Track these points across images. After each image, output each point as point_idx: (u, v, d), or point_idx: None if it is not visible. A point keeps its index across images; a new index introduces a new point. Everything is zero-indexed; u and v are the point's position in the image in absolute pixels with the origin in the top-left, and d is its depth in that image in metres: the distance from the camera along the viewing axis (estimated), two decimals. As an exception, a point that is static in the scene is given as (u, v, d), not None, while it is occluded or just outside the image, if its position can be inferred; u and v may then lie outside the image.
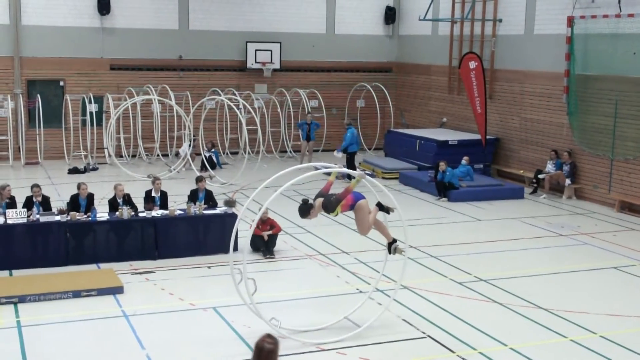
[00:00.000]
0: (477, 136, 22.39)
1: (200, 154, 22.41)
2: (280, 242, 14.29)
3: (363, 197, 10.30)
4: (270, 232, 13.90)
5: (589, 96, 19.13)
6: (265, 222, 14.00)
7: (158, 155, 23.68)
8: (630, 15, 17.64)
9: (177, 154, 23.28)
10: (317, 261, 13.64)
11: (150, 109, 23.61)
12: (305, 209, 10.13)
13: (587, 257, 14.27)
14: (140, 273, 12.67)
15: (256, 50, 25.83)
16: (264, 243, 13.83)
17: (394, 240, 10.61)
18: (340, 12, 27.31)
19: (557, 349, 9.90)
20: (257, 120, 22.37)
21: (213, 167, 22.25)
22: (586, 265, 13.59)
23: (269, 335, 5.62)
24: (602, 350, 9.76)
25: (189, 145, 21.89)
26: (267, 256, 13.73)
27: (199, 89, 24.94)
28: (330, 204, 9.97)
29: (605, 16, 18.34)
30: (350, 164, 21.19)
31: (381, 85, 27.04)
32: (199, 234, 13.91)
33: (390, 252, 10.72)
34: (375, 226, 10.57)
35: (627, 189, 18.36)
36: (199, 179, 15.29)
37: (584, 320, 10.86)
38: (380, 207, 10.60)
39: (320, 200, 10.12)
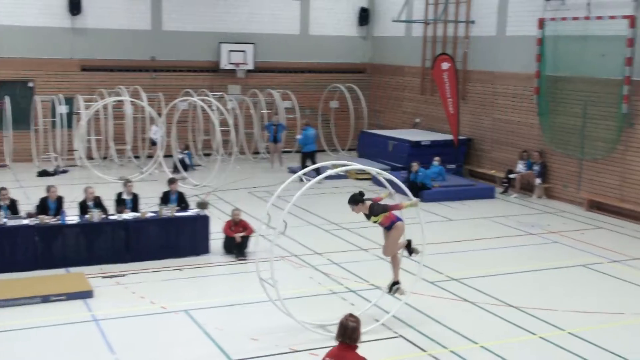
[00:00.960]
0: (450, 137, 22.55)
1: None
2: (253, 243, 14.26)
3: (402, 220, 10.64)
4: (242, 234, 13.89)
5: (559, 97, 19.34)
6: (238, 224, 14.00)
7: (130, 157, 23.56)
8: (599, 18, 17.85)
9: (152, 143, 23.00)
10: (290, 262, 13.65)
11: (122, 110, 23.49)
12: (358, 199, 10.42)
13: (556, 255, 14.43)
14: (111, 277, 12.60)
15: (230, 51, 25.80)
16: (237, 245, 13.82)
17: (398, 282, 10.85)
18: (314, 13, 27.35)
19: (526, 346, 10.01)
20: (230, 122, 22.34)
21: (186, 168, 22.20)
22: (555, 263, 13.73)
23: (351, 315, 6.47)
24: (570, 347, 9.89)
25: (161, 136, 21.69)
26: (240, 258, 13.73)
27: (172, 90, 24.84)
28: (377, 208, 10.39)
29: (575, 18, 18.55)
30: (304, 164, 21.36)
31: (355, 87, 27.11)
32: (171, 237, 13.84)
33: (389, 291, 10.90)
34: (394, 257, 10.87)
35: (596, 188, 18.57)
36: (171, 181, 15.25)
37: (553, 317, 10.98)
38: (409, 244, 11.00)
39: (369, 202, 10.47)
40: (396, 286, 10.84)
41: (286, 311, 10.17)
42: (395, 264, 10.95)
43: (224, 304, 11.44)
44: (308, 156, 21.62)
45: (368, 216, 10.56)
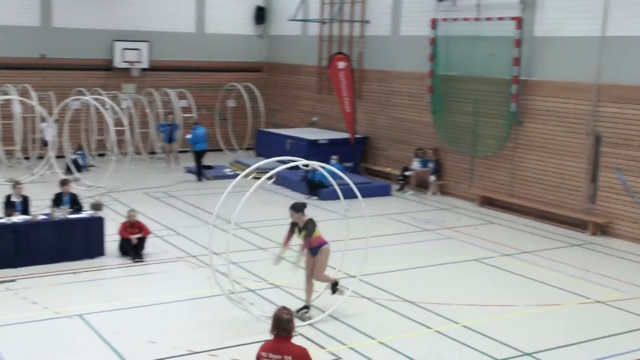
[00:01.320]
0: (347, 135, 22.80)
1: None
2: (150, 245, 14.06)
3: (328, 244, 10.90)
4: (139, 235, 13.65)
5: (452, 96, 19.84)
6: (134, 226, 13.75)
7: (19, 158, 22.77)
8: (488, 19, 18.42)
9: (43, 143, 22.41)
10: (188, 263, 13.51)
11: (10, 109, 22.66)
12: (301, 208, 10.86)
13: (450, 250, 14.80)
14: (0, 282, 12.15)
15: (123, 49, 25.30)
16: (133, 247, 13.57)
17: (308, 307, 10.96)
18: (209, 11, 27.12)
19: (423, 340, 10.22)
20: (125, 121, 21.91)
21: (79, 169, 21.64)
22: (450, 258, 14.08)
23: (284, 307, 6.61)
24: (465, 340, 10.16)
25: (53, 136, 21.07)
26: (136, 260, 13.48)
27: (64, 88, 24.14)
28: (312, 225, 10.70)
29: (466, 19, 19.08)
30: (198, 162, 21.37)
31: (252, 85, 27.06)
32: (64, 240, 13.44)
33: (297, 313, 10.76)
34: (309, 282, 11.00)
35: (487, 184, 19.16)
36: (63, 182, 14.84)
37: (448, 311, 11.26)
38: (334, 285, 11.16)
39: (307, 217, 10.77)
40: (304, 310, 10.88)
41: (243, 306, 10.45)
42: (309, 288, 11.03)
43: (120, 307, 11.21)
44: (199, 155, 21.48)
45: (300, 229, 10.78)
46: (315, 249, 10.90)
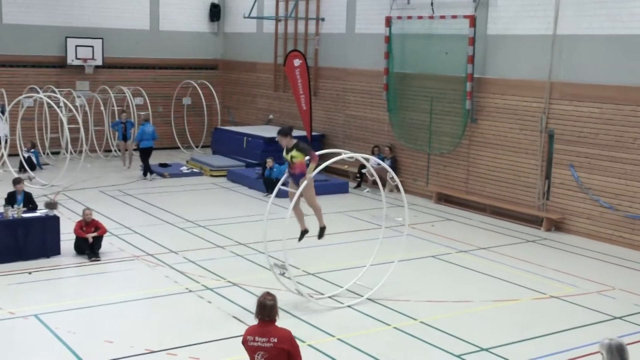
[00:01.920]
0: (303, 133, 22.79)
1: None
2: (106, 243, 13.92)
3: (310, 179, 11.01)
4: (95, 234, 13.50)
5: (407, 93, 19.98)
6: (90, 224, 13.60)
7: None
8: (442, 17, 18.59)
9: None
10: (145, 262, 13.40)
11: (-39, 107, 22.25)
12: (288, 131, 11.15)
13: (408, 247, 14.88)
14: (-47, 282, 11.95)
15: (76, 46, 24.98)
16: (89, 246, 13.41)
17: (307, 230, 11.59)
18: (164, 8, 26.92)
19: (382, 337, 10.28)
20: (80, 119, 21.63)
21: (33, 168, 21.30)
22: (407, 255, 14.17)
23: (268, 293, 6.78)
24: (422, 336, 10.25)
25: (5, 134, 20.72)
26: (93, 259, 13.33)
27: (16, 86, 23.75)
28: (303, 146, 10.98)
29: (420, 17, 19.22)
30: (143, 160, 21.33)
31: (207, 83, 26.93)
32: (19, 239, 13.23)
33: (300, 240, 11.61)
34: (297, 209, 11.36)
35: (443, 181, 19.35)
36: (16, 181, 14.60)
37: (405, 307, 11.35)
38: (322, 230, 11.81)
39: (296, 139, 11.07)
40: (304, 234, 11.43)
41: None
42: (299, 215, 11.39)
43: (77, 306, 11.08)
44: (144, 152, 21.36)
45: (289, 150, 10.99)
46: (297, 176, 11.07)
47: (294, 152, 11.01)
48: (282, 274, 11.01)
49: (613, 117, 15.48)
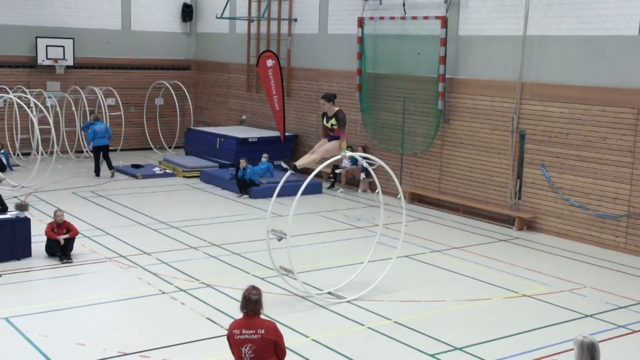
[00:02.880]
0: (277, 133, 22.81)
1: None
2: (78, 245, 13.80)
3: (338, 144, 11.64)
4: (66, 236, 13.39)
5: (380, 94, 20.05)
6: (61, 226, 13.48)
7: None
8: (414, 18, 18.68)
9: None
10: (118, 263, 13.32)
11: None
12: (332, 98, 11.72)
13: (381, 247, 14.93)
14: None
15: (47, 46, 24.74)
16: (61, 247, 13.30)
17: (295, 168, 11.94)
18: (135, 8, 26.76)
19: (356, 337, 10.31)
20: (51, 120, 21.44)
21: (3, 169, 21.05)
22: (380, 255, 14.20)
23: (254, 287, 6.92)
24: (397, 336, 10.29)
25: None
26: (64, 261, 13.22)
27: (-15, 86, 23.51)
28: (343, 117, 11.51)
29: (392, 18, 19.30)
30: (97, 158, 21.38)
31: (180, 83, 26.81)
32: (-11, 241, 13.11)
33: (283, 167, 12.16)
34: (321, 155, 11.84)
35: (416, 181, 19.44)
36: (-14, 183, 14.46)
37: (380, 307, 11.39)
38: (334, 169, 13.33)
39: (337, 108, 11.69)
40: (290, 164, 11.90)
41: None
42: (309, 157, 11.83)
43: (48, 309, 10.98)
44: (98, 150, 21.32)
45: (329, 118, 11.60)
46: (333, 138, 11.68)
47: (334, 121, 11.61)
48: (280, 240, 11.30)
49: (582, 117, 15.65)
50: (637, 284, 13.03)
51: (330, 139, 11.86)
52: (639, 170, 14.77)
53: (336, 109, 11.65)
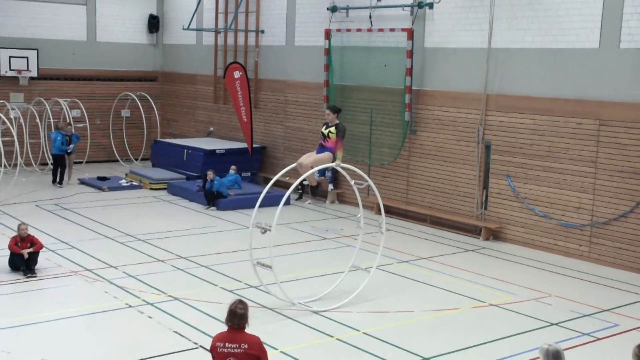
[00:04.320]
0: (244, 145, 22.78)
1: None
2: (43, 259, 13.65)
3: (331, 156, 12.10)
4: (30, 250, 13.22)
5: (347, 105, 20.10)
6: (25, 240, 13.32)
7: None
8: (381, 30, 18.81)
9: None
10: (83, 277, 13.19)
11: None
12: (338, 110, 12.40)
13: (349, 258, 14.96)
14: None
15: (10, 56, 24.48)
16: (25, 262, 13.13)
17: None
18: (101, 19, 26.60)
19: (325, 349, 10.31)
20: (14, 132, 21.20)
21: (-35, 182, 20.80)
22: (349, 266, 14.25)
23: (240, 301, 6.97)
24: (365, 346, 10.32)
25: None
26: (29, 275, 13.06)
27: (-53, 98, 23.19)
28: (343, 129, 12.09)
29: (359, 30, 19.41)
30: (54, 167, 21.69)
31: (147, 95, 26.68)
32: (-49, 256, 12.93)
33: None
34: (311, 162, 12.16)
35: (384, 192, 19.50)
36: (-51, 197, 14.25)
37: (348, 318, 11.41)
38: (314, 188, 14.34)
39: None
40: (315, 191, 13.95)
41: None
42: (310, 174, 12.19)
43: (12, 325, 10.82)
44: (55, 159, 21.60)
45: (329, 126, 12.12)
46: (326, 148, 12.11)
47: (332, 129, 12.09)
48: (264, 232, 11.51)
49: (546, 128, 15.86)
50: (601, 292, 13.22)
51: (319, 151, 12.18)
52: (601, 180, 15.00)
53: (337, 121, 12.19)
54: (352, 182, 12.57)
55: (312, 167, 12.00)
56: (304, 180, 20.63)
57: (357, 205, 19.76)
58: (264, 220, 11.76)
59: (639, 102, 14.37)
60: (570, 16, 15.38)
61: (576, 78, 15.37)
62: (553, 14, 15.67)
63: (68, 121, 23.52)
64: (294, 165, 12.26)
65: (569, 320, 11.64)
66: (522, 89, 16.35)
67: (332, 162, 12.06)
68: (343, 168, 12.27)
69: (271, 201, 19.89)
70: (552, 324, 11.45)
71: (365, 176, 12.62)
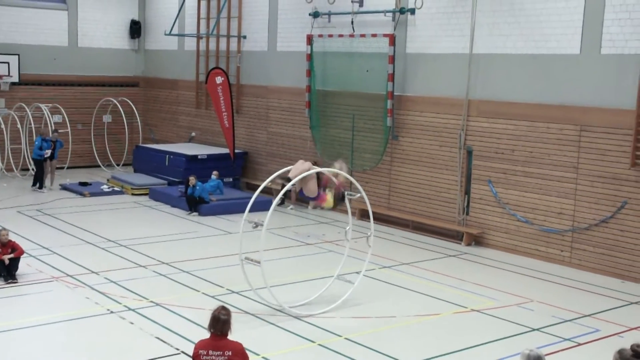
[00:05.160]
0: (226, 150, 22.75)
1: None
2: (24, 265, 13.55)
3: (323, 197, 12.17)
4: (11, 256, 13.12)
5: (329, 111, 20.16)
6: (6, 245, 13.22)
7: None
8: (362, 36, 18.86)
9: None
10: (65, 283, 13.10)
11: None
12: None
13: (332, 263, 14.95)
14: None
15: (-9, 62, 24.36)
16: (5, 267, 13.03)
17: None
18: (82, 24, 26.50)
19: (307, 354, 10.31)
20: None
21: (-55, 188, 20.64)
22: (331, 271, 14.23)
23: (223, 308, 6.94)
24: (347, 352, 10.31)
25: None
26: (9, 281, 12.95)
27: None
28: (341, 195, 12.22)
29: (341, 36, 19.45)
30: (38, 169, 21.74)
31: (128, 100, 26.58)
32: None
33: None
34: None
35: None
36: None
37: (330, 324, 11.41)
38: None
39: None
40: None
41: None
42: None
43: (-7, 331, 10.75)
44: (35, 163, 21.82)
45: (329, 190, 12.20)
46: (309, 197, 12.21)
47: (331, 197, 12.20)
48: (255, 227, 11.64)
49: (527, 133, 15.95)
50: (582, 298, 13.29)
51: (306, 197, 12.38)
52: (582, 186, 15.10)
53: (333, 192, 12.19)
54: (346, 193, 12.52)
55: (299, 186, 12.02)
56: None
57: (338, 210, 19.80)
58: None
59: (619, 107, 14.49)
60: (551, 22, 15.49)
61: (557, 84, 15.47)
62: (534, 20, 15.77)
63: (53, 128, 23.34)
64: (287, 169, 12.17)
65: (551, 325, 11.69)
66: (503, 95, 16.44)
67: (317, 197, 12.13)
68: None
69: (254, 206, 19.89)
70: (533, 330, 11.49)
71: (360, 187, 12.57)
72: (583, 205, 15.10)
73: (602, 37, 14.67)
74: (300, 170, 11.80)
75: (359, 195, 12.47)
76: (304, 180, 11.80)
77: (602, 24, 14.65)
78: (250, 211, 12.03)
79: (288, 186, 11.73)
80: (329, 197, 12.09)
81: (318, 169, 12.16)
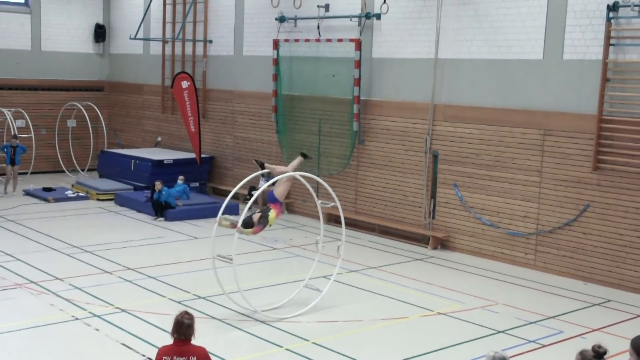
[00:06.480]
0: (193, 155, 22.65)
1: None
2: None
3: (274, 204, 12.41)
4: (-26, 263, 12.96)
5: (296, 115, 20.18)
6: (-32, 252, 13.04)
7: None
8: (328, 40, 18.91)
9: None
10: (28, 290, 12.95)
11: None
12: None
13: (299, 268, 15.01)
14: None
15: (-48, 66, 24.01)
16: (-32, 275, 12.86)
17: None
18: (46, 28, 26.22)
19: (274, 359, 10.29)
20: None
21: None
22: (299, 276, 14.25)
23: (186, 312, 6.82)
24: (314, 356, 10.32)
25: None
26: (-28, 289, 12.79)
27: None
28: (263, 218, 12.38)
29: (307, 40, 19.49)
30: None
31: (93, 105, 26.35)
32: None
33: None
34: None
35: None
36: None
37: (297, 328, 11.41)
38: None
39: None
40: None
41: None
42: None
43: (-45, 340, 10.59)
44: None
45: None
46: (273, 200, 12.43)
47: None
48: (229, 224, 11.92)
49: (492, 138, 16.11)
50: (546, 300, 13.45)
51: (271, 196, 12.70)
52: (545, 190, 15.28)
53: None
54: (319, 202, 12.57)
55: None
56: (253, 189, 20.68)
57: (305, 215, 19.80)
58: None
59: (581, 112, 14.70)
60: (514, 28, 15.67)
61: (521, 88, 15.66)
62: (498, 26, 15.95)
63: (14, 133, 23.03)
64: (264, 171, 12.43)
65: (515, 327, 11.81)
66: (468, 99, 16.59)
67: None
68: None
69: (224, 212, 19.86)
70: (498, 332, 11.61)
71: (335, 196, 12.62)
72: (547, 209, 15.29)
73: (564, 42, 14.88)
74: (286, 170, 12.40)
75: (332, 204, 12.49)
76: (282, 180, 12.05)
77: (564, 30, 14.86)
78: (216, 216, 12.00)
79: (272, 181, 11.96)
80: (273, 215, 12.34)
81: (298, 174, 12.23)
